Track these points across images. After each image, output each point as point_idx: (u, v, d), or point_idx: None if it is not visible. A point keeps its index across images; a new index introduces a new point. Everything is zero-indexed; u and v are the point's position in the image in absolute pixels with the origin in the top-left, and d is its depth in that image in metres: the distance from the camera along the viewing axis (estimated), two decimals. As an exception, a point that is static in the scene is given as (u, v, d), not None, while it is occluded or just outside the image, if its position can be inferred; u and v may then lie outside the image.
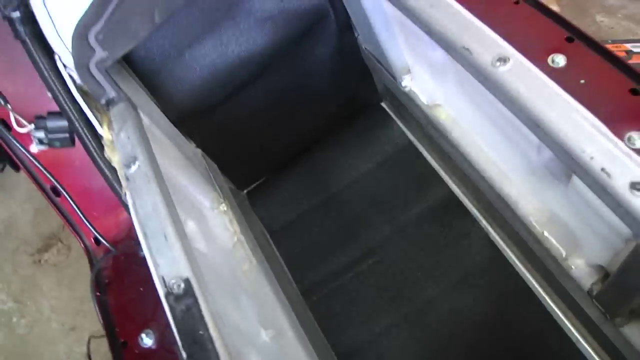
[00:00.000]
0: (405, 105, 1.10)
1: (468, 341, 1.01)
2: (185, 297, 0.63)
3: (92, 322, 1.79)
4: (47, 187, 1.14)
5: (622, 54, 1.81)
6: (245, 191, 1.30)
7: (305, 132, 1.25)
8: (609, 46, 1.84)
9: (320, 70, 1.16)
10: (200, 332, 0.61)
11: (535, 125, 0.60)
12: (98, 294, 1.10)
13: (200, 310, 0.62)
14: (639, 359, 0.77)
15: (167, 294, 0.65)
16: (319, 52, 1.13)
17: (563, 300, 0.94)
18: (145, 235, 0.70)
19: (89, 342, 1.34)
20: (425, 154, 1.18)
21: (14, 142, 0.97)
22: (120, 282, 1.10)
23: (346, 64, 1.18)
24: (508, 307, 1.02)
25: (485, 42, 0.66)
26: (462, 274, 1.07)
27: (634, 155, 0.55)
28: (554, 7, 1.95)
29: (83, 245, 1.18)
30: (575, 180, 0.67)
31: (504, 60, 0.64)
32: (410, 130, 1.21)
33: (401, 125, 1.24)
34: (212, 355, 0.59)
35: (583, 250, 0.80)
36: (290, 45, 1.07)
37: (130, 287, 1.07)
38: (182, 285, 0.64)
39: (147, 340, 0.98)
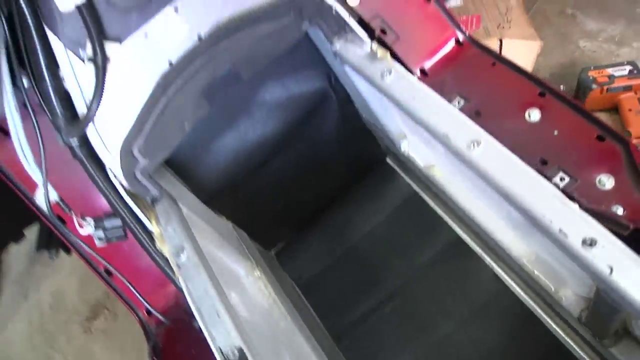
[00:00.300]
0: (406, 163, 1.25)
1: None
2: (240, 364, 0.77)
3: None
4: (101, 269, 1.29)
5: (605, 79, 1.94)
6: (273, 251, 1.45)
7: (321, 194, 1.40)
8: (592, 73, 1.97)
9: (328, 139, 1.32)
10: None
11: (505, 196, 0.74)
12: (154, 358, 1.24)
13: (255, 377, 0.76)
14: (628, 375, 0.90)
15: (224, 364, 0.79)
16: (325, 125, 1.29)
17: (563, 324, 1.07)
18: (200, 313, 0.84)
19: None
20: (429, 202, 1.32)
21: (71, 235, 1.13)
22: (173, 348, 1.24)
23: (350, 131, 1.33)
24: (517, 332, 1.14)
25: (461, 128, 0.80)
26: (474, 307, 1.20)
27: (583, 215, 0.69)
28: (536, 42, 2.09)
29: (137, 317, 1.32)
30: (548, 233, 0.80)
31: (477, 143, 0.78)
32: (414, 182, 1.35)
33: (406, 177, 1.37)
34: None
35: (568, 284, 0.94)
36: (299, 125, 1.23)
37: (183, 352, 1.22)
38: (237, 353, 0.78)
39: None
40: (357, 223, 1.38)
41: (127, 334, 2.07)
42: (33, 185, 1.07)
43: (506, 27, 2.12)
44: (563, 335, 1.07)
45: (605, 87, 1.95)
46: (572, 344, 1.06)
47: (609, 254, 0.65)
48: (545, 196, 0.71)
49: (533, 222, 0.72)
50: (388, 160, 1.42)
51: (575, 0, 2.48)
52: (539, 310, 1.11)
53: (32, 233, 2.22)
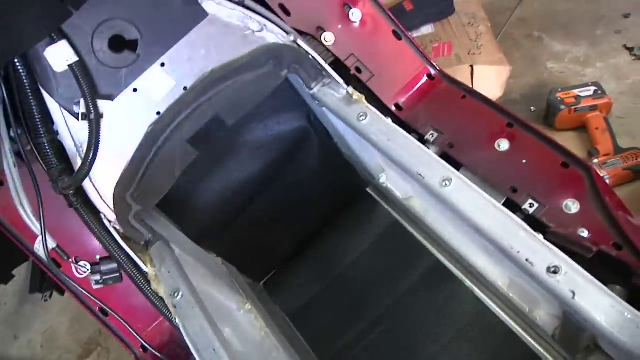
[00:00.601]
0: (385, 194, 1.31)
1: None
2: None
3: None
4: (96, 309, 1.33)
5: (572, 100, 2.03)
6: (261, 282, 1.50)
7: (306, 226, 1.46)
8: (560, 94, 2.06)
9: (310, 174, 1.38)
10: None
11: (476, 229, 0.80)
12: (152, 394, 1.28)
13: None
14: (599, 388, 0.96)
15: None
16: (307, 161, 1.35)
17: (541, 340, 1.13)
18: (197, 349, 0.89)
19: None
20: (410, 229, 1.38)
21: (68, 279, 1.17)
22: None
23: (331, 165, 1.39)
24: (498, 350, 1.20)
25: (434, 167, 0.87)
26: (457, 328, 1.25)
27: (548, 245, 0.76)
28: (506, 67, 2.18)
29: (132, 354, 1.36)
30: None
31: (449, 180, 0.85)
32: (394, 210, 1.41)
33: (386, 206, 1.43)
34: None
35: (541, 305, 1.00)
36: (282, 163, 1.29)
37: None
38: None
39: None
40: (342, 252, 1.44)
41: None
42: (25, 228, 1.11)
43: (477, 53, 2.21)
44: (541, 350, 1.13)
45: (573, 108, 2.04)
46: (547, 356, 1.12)
47: (571, 280, 0.72)
48: (512, 228, 0.78)
49: (502, 254, 0.78)
50: (369, 190, 1.48)
51: (541, 24, 2.59)
52: (518, 329, 1.17)
53: (20, 272, 2.24)
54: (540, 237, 0.77)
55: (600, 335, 0.69)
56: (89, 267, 1.09)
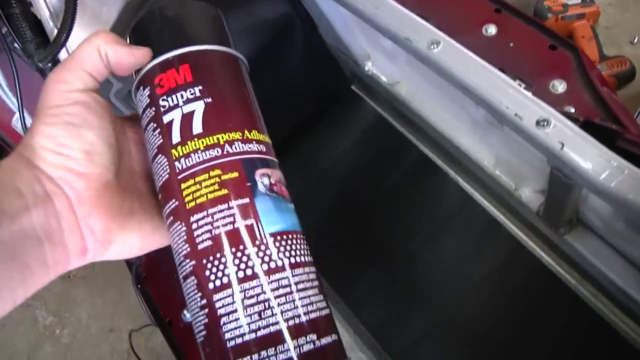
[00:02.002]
0: (371, 85, 1.29)
1: (453, 271, 1.20)
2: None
3: (128, 321, 1.98)
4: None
5: (559, 8, 2.00)
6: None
7: (290, 123, 1.44)
8: (547, 2, 2.03)
9: (294, 67, 1.35)
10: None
11: (465, 89, 0.79)
12: (139, 286, 1.29)
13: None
14: (580, 257, 0.98)
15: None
16: (291, 51, 1.32)
17: (523, 223, 1.14)
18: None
19: (130, 337, 1.52)
20: (395, 125, 1.37)
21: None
22: (157, 273, 1.28)
23: (315, 59, 1.37)
24: (481, 239, 1.21)
25: (421, 31, 0.85)
26: (442, 220, 1.27)
27: (536, 100, 0.75)
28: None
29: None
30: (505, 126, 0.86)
31: (436, 43, 0.83)
32: (379, 106, 1.40)
33: (371, 103, 1.42)
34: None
35: (527, 181, 1.00)
36: (266, 52, 1.25)
37: (166, 276, 1.26)
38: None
39: (189, 315, 1.17)
40: (327, 151, 1.43)
41: (106, 277, 2.11)
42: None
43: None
44: (523, 236, 1.16)
45: (560, 16, 2.01)
46: (530, 243, 1.14)
47: (560, 132, 0.71)
48: (500, 85, 0.76)
49: (491, 112, 0.77)
50: (354, 87, 1.47)
51: None
52: (501, 216, 1.19)
53: None
54: (529, 93, 0.76)
55: (586, 184, 0.69)
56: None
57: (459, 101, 1.02)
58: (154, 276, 1.28)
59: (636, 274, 0.92)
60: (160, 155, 0.50)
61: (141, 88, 0.53)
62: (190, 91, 0.50)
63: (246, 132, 0.51)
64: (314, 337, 0.45)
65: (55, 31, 0.92)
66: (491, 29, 1.11)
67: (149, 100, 0.52)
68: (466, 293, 1.17)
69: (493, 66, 1.05)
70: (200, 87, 0.51)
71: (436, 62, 0.82)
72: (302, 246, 0.50)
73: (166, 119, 0.51)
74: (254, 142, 0.51)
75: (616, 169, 0.67)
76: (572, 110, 0.99)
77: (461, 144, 1.09)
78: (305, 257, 0.49)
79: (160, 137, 0.51)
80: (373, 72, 1.22)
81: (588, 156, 0.69)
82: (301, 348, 0.44)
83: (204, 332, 0.46)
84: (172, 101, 0.50)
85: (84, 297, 2.11)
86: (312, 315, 0.46)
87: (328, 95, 1.47)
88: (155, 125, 0.51)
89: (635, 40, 2.17)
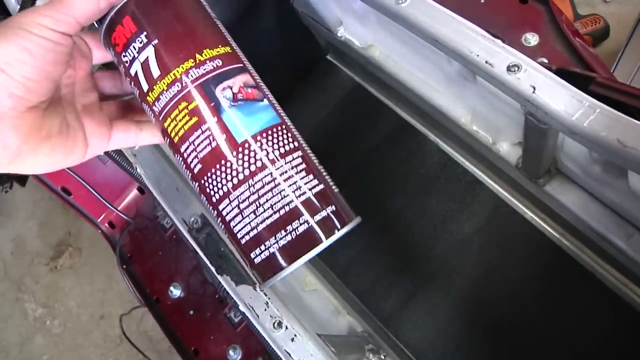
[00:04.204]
0: (346, 52, 1.28)
1: (437, 231, 1.21)
2: (204, 227, 0.82)
3: (117, 306, 1.98)
4: (58, 188, 1.31)
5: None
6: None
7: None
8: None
9: (267, 39, 1.34)
10: (222, 249, 0.80)
11: (435, 42, 0.79)
12: (124, 267, 1.29)
13: (218, 234, 0.81)
14: (560, 208, 0.99)
15: (190, 230, 0.84)
16: (263, 23, 1.30)
17: (503, 180, 1.15)
18: (160, 192, 0.88)
19: (120, 321, 1.52)
20: (372, 90, 1.37)
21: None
22: (141, 252, 1.28)
23: (289, 29, 1.35)
24: (464, 197, 1.22)
25: (388, -14, 0.84)
26: (423, 181, 1.27)
27: (506, 47, 0.75)
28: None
29: (100, 231, 1.36)
30: (478, 77, 0.86)
31: (404, -3, 0.82)
32: (355, 73, 1.40)
33: (347, 71, 1.42)
34: (235, 262, 0.79)
35: (504, 134, 1.01)
36: (237, 23, 1.24)
37: (151, 254, 1.26)
38: (199, 219, 0.83)
39: (176, 292, 1.17)
40: (305, 120, 1.42)
41: (94, 265, 2.10)
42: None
43: None
44: (502, 191, 1.16)
45: (533, -23, 2.01)
46: (512, 199, 1.15)
47: (531, 76, 0.72)
48: (469, 35, 0.77)
49: (463, 62, 0.77)
50: (328, 57, 1.46)
51: None
52: (481, 174, 1.19)
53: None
54: (499, 41, 0.76)
55: (560, 126, 0.69)
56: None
57: (432, 59, 1.01)
58: (138, 255, 1.28)
59: (614, 218, 0.93)
60: (143, 103, 0.56)
61: (108, 48, 0.57)
62: (138, 40, 0.53)
63: (197, 55, 0.53)
64: (307, 217, 0.52)
65: (18, 8, 0.91)
66: (462, -14, 1.11)
67: (116, 59, 0.57)
68: (450, 252, 1.17)
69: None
70: (145, 33, 0.53)
71: (405, 16, 0.81)
72: (282, 137, 0.55)
73: (132, 71, 0.55)
74: (207, 62, 0.53)
75: (588, 108, 0.68)
76: (545, 60, 0.99)
77: (437, 103, 1.09)
78: (287, 146, 0.55)
79: (135, 87, 0.55)
80: (346, 37, 1.22)
81: (559, 98, 0.69)
82: (296, 231, 0.51)
83: (226, 235, 0.55)
84: (130, 55, 0.54)
85: (72, 287, 2.10)
86: (302, 199, 0.52)
87: (303, 65, 1.46)
88: (129, 79, 0.56)
89: (609, -2, 2.17)
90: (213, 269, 0.80)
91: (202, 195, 0.54)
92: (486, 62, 0.74)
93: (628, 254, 0.93)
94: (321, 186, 0.55)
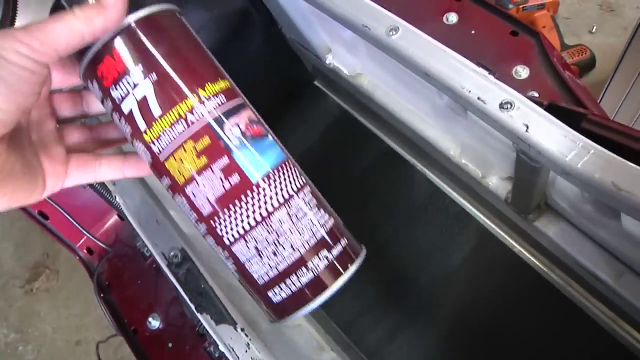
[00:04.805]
0: (334, 79, 1.27)
1: (423, 263, 1.19)
2: (184, 262, 0.79)
3: (94, 332, 1.93)
4: (35, 212, 1.27)
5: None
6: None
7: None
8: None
9: (254, 64, 1.32)
10: (202, 285, 0.77)
11: (426, 75, 0.77)
12: (102, 295, 1.24)
13: (198, 270, 0.78)
14: (549, 243, 0.98)
15: (169, 265, 0.81)
16: (250, 48, 1.29)
17: (492, 212, 1.13)
18: (139, 224, 0.85)
19: (97, 348, 1.47)
20: (359, 118, 1.35)
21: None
22: (119, 281, 1.24)
23: (276, 54, 1.34)
24: (451, 229, 1.20)
25: (379, 17, 0.83)
26: (409, 211, 1.25)
27: (499, 83, 0.73)
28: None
29: (78, 258, 1.31)
30: (469, 111, 0.85)
31: (395, 29, 0.81)
32: (343, 100, 1.38)
33: (335, 98, 1.40)
34: (215, 300, 0.76)
35: (494, 169, 0.99)
36: (224, 48, 1.22)
37: (130, 282, 1.22)
38: (179, 254, 0.80)
39: (155, 323, 1.13)
40: (292, 144, 1.38)
41: (71, 289, 2.05)
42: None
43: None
44: (490, 223, 1.15)
45: (521, 7, 2.03)
46: (499, 231, 1.14)
47: (523, 114, 0.70)
48: (462, 70, 0.75)
49: (454, 97, 0.76)
50: (316, 82, 1.44)
51: None
52: (469, 205, 1.18)
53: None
54: (491, 77, 0.75)
55: (553, 166, 0.68)
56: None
57: (421, 91, 1.00)
58: (116, 283, 1.24)
59: (605, 256, 0.91)
60: (136, 141, 0.51)
61: (89, 82, 0.52)
62: (133, 75, 0.49)
63: (200, 91, 0.50)
64: (325, 252, 0.52)
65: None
66: (452, 17, 1.09)
67: (101, 94, 0.51)
68: (437, 284, 1.15)
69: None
70: (141, 67, 0.49)
71: (396, 48, 0.80)
72: (291, 173, 0.54)
73: (125, 108, 0.50)
74: (211, 98, 0.50)
75: (582, 149, 0.66)
76: (536, 94, 0.98)
77: (426, 135, 1.07)
78: (298, 182, 0.54)
79: (128, 125, 0.51)
80: (334, 64, 1.20)
81: (553, 137, 0.68)
82: (318, 266, 0.51)
83: (237, 274, 0.53)
84: (123, 91, 0.49)
85: (47, 311, 2.04)
86: (319, 234, 0.52)
87: (290, 91, 1.45)
88: (118, 115, 0.51)
89: (594, 30, 2.19)
90: (193, 307, 0.77)
91: (210, 237, 0.52)
92: (478, 98, 0.73)
93: (618, 292, 0.91)
94: (332, 220, 0.56)
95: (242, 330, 0.73)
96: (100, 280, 1.26)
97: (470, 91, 0.73)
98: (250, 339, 0.72)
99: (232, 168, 0.50)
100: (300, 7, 1.09)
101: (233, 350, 0.72)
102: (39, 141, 0.53)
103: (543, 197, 0.94)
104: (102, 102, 0.52)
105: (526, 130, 0.69)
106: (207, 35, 1.18)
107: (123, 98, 0.50)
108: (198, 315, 0.75)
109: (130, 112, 0.50)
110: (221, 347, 0.72)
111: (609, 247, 0.90)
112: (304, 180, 0.56)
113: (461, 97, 0.74)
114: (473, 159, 1.02)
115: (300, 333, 1.12)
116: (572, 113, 0.80)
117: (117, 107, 0.51)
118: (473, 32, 1.09)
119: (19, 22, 0.83)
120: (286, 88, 1.44)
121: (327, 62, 1.20)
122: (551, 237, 0.96)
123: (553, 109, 0.83)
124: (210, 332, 0.74)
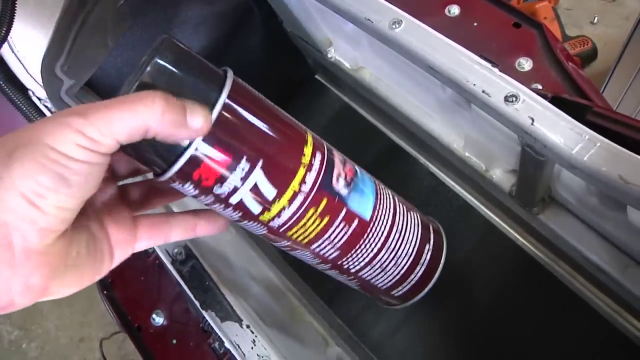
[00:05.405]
0: (335, 73, 1.26)
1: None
2: (188, 259, 0.79)
3: (97, 329, 1.93)
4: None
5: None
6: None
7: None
8: (508, -16, 2.03)
9: (255, 58, 1.31)
10: (207, 282, 0.76)
11: (429, 69, 0.76)
12: (105, 292, 1.24)
13: (202, 267, 0.77)
14: (554, 236, 0.97)
15: (173, 262, 0.80)
16: (251, 42, 1.28)
17: (495, 205, 1.13)
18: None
19: (101, 345, 1.47)
20: (361, 111, 1.35)
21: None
22: (123, 277, 1.24)
23: (277, 48, 1.33)
24: (454, 222, 1.20)
25: (381, 11, 0.82)
26: (415, 203, 1.24)
27: (504, 76, 0.73)
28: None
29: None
30: (473, 105, 0.84)
31: (398, 22, 0.80)
32: (344, 94, 1.38)
33: (336, 91, 1.40)
34: (220, 297, 0.75)
35: (498, 161, 0.99)
36: (225, 42, 1.21)
37: (133, 279, 1.22)
38: (183, 251, 0.80)
39: (159, 319, 1.13)
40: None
41: (73, 286, 2.04)
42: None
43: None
44: (493, 216, 1.15)
45: (522, -2, 2.02)
46: (504, 225, 1.13)
47: (529, 107, 0.69)
48: (466, 63, 0.74)
49: (458, 90, 0.75)
50: (317, 77, 1.44)
51: None
52: (472, 198, 1.18)
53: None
54: (496, 69, 0.74)
55: (559, 160, 0.67)
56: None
57: (424, 84, 0.99)
58: (120, 280, 1.23)
59: (610, 249, 0.91)
60: (248, 222, 0.51)
61: (177, 183, 0.47)
62: (240, 168, 0.46)
63: (303, 159, 0.49)
64: (427, 246, 0.64)
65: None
66: (454, 10, 1.09)
67: (198, 191, 0.47)
68: (441, 277, 1.15)
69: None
70: (245, 157, 0.46)
71: (399, 42, 0.79)
72: (387, 197, 0.61)
73: (234, 200, 0.47)
74: (313, 160, 0.51)
75: (588, 142, 0.65)
76: (540, 87, 0.97)
77: (429, 128, 1.07)
78: (392, 202, 0.62)
79: (239, 212, 0.49)
80: (336, 58, 1.19)
81: (559, 130, 0.67)
82: (426, 258, 0.63)
83: (357, 287, 0.64)
84: (229, 187, 0.46)
85: (50, 309, 2.04)
86: (420, 232, 0.64)
87: (292, 85, 1.44)
88: (223, 205, 0.48)
89: (596, 20, 2.18)
90: (198, 304, 0.77)
91: (336, 270, 0.59)
92: (483, 91, 0.72)
93: (623, 284, 0.91)
94: (417, 211, 0.68)
95: (248, 326, 0.73)
96: (104, 278, 1.25)
97: (475, 84, 0.72)
98: (256, 336, 0.72)
99: (350, 216, 0.53)
100: (301, 1, 1.08)
101: (239, 347, 0.72)
102: (103, 207, 0.49)
103: (547, 190, 0.93)
104: (196, 196, 0.48)
105: (532, 124, 0.68)
106: (208, 29, 1.18)
107: (231, 193, 0.47)
108: (203, 312, 0.75)
109: (241, 202, 0.47)
110: (227, 344, 0.72)
111: (614, 240, 0.90)
112: (395, 197, 0.64)
113: (466, 90, 0.73)
114: (476, 152, 1.01)
115: (306, 329, 1.12)
116: (576, 105, 0.80)
117: (222, 200, 0.47)
118: (475, 24, 1.08)
119: (18, 21, 0.82)
120: (287, 82, 1.43)
121: (329, 55, 1.19)
122: (556, 230, 0.95)
123: (557, 101, 0.83)
124: (216, 329, 0.74)
